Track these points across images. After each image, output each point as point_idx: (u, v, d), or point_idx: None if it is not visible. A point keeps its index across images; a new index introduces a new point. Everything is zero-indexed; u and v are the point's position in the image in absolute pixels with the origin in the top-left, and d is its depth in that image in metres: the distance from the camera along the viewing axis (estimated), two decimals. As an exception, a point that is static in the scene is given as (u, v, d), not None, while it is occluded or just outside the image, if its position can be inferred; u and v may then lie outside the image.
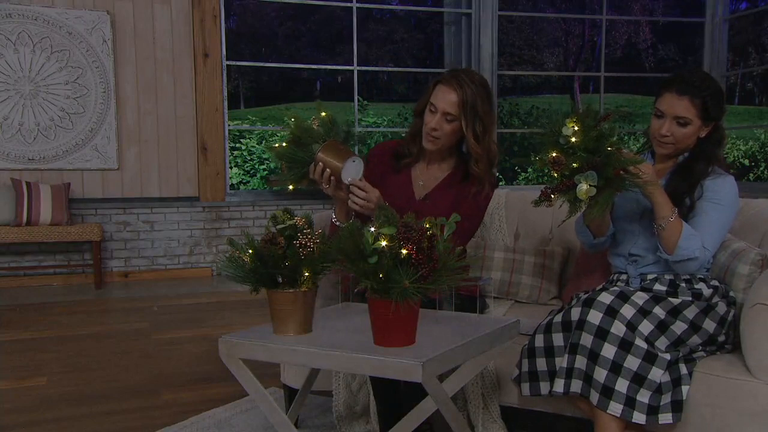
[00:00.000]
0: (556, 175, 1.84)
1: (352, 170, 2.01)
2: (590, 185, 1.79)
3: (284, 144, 2.04)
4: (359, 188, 2.02)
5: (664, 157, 2.11)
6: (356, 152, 2.08)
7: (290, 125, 2.03)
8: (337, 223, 2.15)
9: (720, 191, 2.00)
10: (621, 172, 1.83)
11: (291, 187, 2.07)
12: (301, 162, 2.03)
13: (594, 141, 1.80)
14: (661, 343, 1.86)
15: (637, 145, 2.32)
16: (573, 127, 1.80)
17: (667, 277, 2.03)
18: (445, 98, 2.12)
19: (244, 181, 11.43)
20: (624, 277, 2.12)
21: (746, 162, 13.48)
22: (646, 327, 1.85)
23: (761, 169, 13.69)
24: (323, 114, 2.04)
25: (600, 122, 1.83)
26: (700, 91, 2.00)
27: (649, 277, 2.06)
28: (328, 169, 2.00)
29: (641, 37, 19.08)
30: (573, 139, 1.80)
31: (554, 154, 1.82)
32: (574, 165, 1.81)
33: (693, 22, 8.29)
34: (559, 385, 1.88)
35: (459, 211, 2.17)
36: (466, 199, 2.20)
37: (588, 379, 1.83)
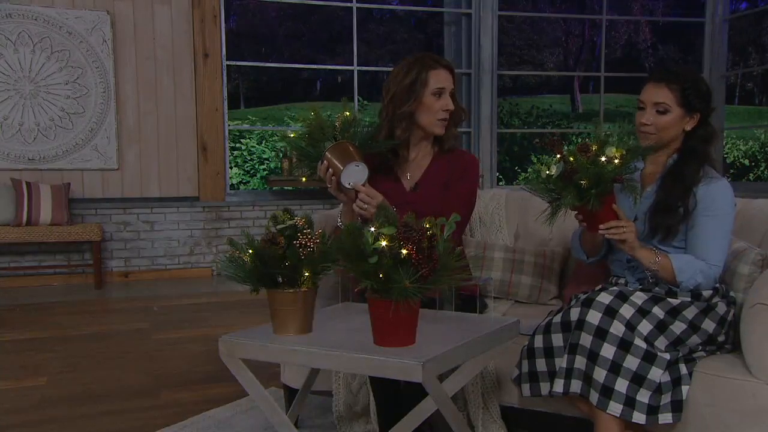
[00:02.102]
0: (558, 155, 1.91)
1: (354, 175, 2.02)
2: (549, 173, 1.87)
3: (299, 136, 2.07)
4: (362, 193, 2.04)
5: (651, 151, 2.08)
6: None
7: (309, 119, 2.06)
8: (342, 227, 2.16)
9: (716, 200, 1.96)
10: (602, 228, 1.92)
11: (303, 179, 2.14)
12: (310, 157, 2.07)
13: (607, 171, 1.85)
14: (661, 342, 1.86)
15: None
16: (615, 153, 1.85)
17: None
18: (448, 78, 2.23)
19: (244, 181, 11.43)
20: (622, 281, 2.12)
21: (746, 162, 13.48)
22: (645, 327, 1.85)
23: (761, 169, 13.69)
24: (347, 113, 2.07)
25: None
26: (677, 77, 2.01)
27: (649, 280, 2.05)
28: (331, 169, 2.03)
29: (641, 37, 19.09)
30: (616, 160, 1.85)
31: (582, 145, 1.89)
32: (571, 158, 1.87)
33: (693, 22, 8.29)
34: (558, 386, 1.88)
35: (451, 192, 2.20)
36: (456, 183, 2.24)
37: (588, 379, 1.83)
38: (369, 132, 2.13)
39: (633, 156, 1.89)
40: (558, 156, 1.88)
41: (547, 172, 1.88)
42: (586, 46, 19.37)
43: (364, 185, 2.05)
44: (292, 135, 2.13)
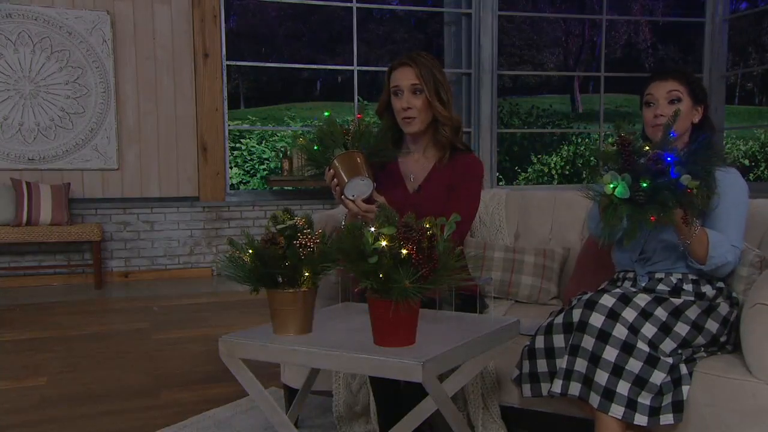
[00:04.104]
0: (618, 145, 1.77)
1: (358, 188, 2.03)
2: (611, 183, 1.71)
3: (309, 140, 2.06)
4: (359, 206, 2.05)
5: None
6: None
7: (320, 123, 2.04)
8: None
9: (732, 185, 1.99)
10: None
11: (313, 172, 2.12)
12: (317, 162, 2.07)
13: (680, 195, 1.72)
14: (667, 346, 1.85)
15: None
16: (689, 184, 1.71)
17: (674, 278, 2.02)
18: (405, 75, 2.19)
19: (244, 181, 11.43)
20: (631, 275, 2.11)
21: (746, 162, 13.48)
22: (648, 330, 1.84)
23: (761, 169, 13.69)
24: (364, 119, 2.05)
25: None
26: (680, 73, 2.08)
27: (657, 276, 2.05)
28: (336, 179, 2.02)
29: (641, 37, 19.09)
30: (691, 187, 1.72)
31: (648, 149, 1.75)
32: (645, 148, 1.73)
33: (693, 22, 8.29)
34: (557, 386, 1.87)
35: (455, 194, 2.20)
36: (459, 185, 2.24)
37: (588, 382, 1.82)
38: (379, 140, 2.10)
39: (707, 194, 1.81)
40: (626, 162, 1.72)
41: (611, 185, 1.71)
42: (586, 46, 19.37)
43: (368, 198, 2.04)
44: (301, 140, 2.12)
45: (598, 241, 2.20)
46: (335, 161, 2.02)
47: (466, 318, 1.89)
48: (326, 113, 2.05)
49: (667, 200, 1.71)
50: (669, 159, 1.71)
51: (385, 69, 2.31)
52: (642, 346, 1.81)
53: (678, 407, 1.81)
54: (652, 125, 2.07)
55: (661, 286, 2.00)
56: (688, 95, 2.05)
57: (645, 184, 1.70)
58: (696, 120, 2.08)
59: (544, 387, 1.95)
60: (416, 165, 2.31)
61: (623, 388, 1.79)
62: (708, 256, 1.92)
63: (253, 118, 14.41)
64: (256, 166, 11.51)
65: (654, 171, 1.71)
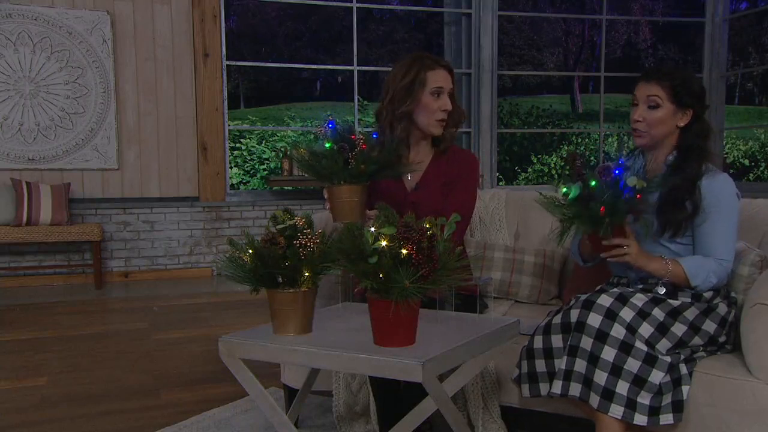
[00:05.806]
0: (568, 169, 1.92)
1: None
2: (566, 192, 1.86)
3: (307, 153, 1.94)
4: None
5: (647, 150, 2.09)
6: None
7: (317, 156, 1.92)
8: None
9: (719, 195, 1.97)
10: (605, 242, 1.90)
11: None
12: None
13: (622, 203, 1.83)
14: (663, 345, 1.86)
15: (630, 146, 2.32)
16: (636, 183, 1.84)
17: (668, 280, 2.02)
18: (446, 79, 2.23)
19: (244, 181, 11.44)
20: (624, 280, 2.11)
21: (746, 162, 13.48)
22: (646, 329, 1.84)
23: (761, 169, 13.69)
24: (372, 152, 1.90)
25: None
26: (667, 75, 2.04)
27: (650, 280, 2.05)
28: (328, 205, 1.98)
29: (641, 37, 19.08)
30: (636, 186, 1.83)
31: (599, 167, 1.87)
32: (592, 182, 1.84)
33: (693, 22, 8.30)
34: (557, 387, 1.88)
35: (452, 191, 2.20)
36: (456, 181, 2.25)
37: (588, 382, 1.82)
38: (386, 157, 1.97)
39: (652, 189, 1.88)
40: (577, 176, 1.87)
41: (564, 190, 1.86)
42: (586, 46, 19.36)
43: None
44: (302, 150, 1.98)
45: (579, 264, 2.23)
46: (329, 192, 1.94)
47: (466, 318, 1.89)
48: (327, 144, 1.88)
49: (616, 203, 1.81)
50: (617, 171, 1.84)
51: (385, 69, 2.30)
52: (640, 345, 1.81)
53: (678, 407, 1.81)
54: (633, 127, 2.07)
55: (657, 288, 2.00)
56: (669, 100, 2.02)
57: (593, 183, 1.83)
58: (682, 123, 2.04)
59: (543, 387, 1.95)
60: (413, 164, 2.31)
61: (622, 387, 1.79)
62: (692, 285, 1.94)
63: (253, 118, 14.41)
64: (256, 166, 11.51)
65: (604, 182, 1.85)
